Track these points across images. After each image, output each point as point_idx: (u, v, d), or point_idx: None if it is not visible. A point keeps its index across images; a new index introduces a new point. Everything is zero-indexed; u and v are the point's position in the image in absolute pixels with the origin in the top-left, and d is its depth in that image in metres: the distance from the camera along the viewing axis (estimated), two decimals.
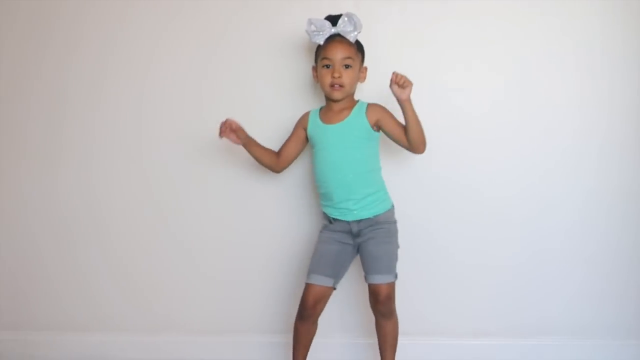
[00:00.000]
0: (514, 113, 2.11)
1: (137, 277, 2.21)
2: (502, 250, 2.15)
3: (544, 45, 2.08)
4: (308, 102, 2.06)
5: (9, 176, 2.21)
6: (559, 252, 2.14)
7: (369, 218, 1.86)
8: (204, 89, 2.14)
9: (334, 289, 1.88)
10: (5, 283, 2.24)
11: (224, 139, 1.88)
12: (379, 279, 1.83)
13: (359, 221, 1.87)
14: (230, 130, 1.87)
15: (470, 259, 2.15)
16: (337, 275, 1.89)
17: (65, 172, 2.20)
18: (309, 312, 1.86)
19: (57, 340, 2.22)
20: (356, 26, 1.84)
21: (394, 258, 1.88)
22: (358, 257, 1.91)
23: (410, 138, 1.82)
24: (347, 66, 1.85)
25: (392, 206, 1.92)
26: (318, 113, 1.94)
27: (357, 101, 1.92)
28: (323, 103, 1.95)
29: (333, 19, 1.85)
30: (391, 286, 1.85)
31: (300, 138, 1.96)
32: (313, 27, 1.84)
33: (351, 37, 1.84)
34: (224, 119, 1.86)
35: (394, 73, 1.75)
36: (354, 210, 1.86)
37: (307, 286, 1.87)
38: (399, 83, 1.74)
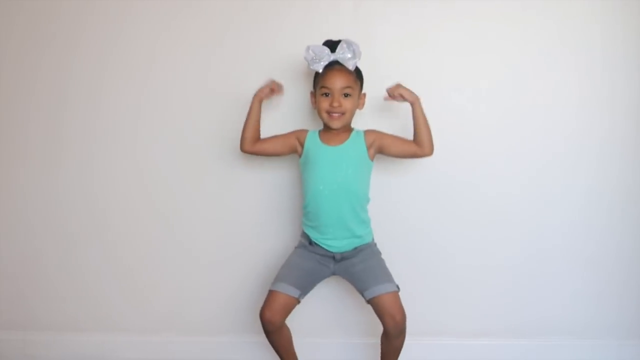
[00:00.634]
0: (514, 113, 2.11)
1: (137, 277, 2.21)
2: (502, 250, 2.15)
3: (543, 45, 2.08)
4: (307, 102, 2.05)
5: (9, 176, 2.21)
6: (559, 251, 2.15)
7: (353, 249, 1.87)
8: (203, 90, 2.13)
9: (298, 302, 1.85)
10: (5, 283, 2.24)
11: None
12: (381, 290, 1.79)
13: (343, 252, 1.87)
14: (271, 91, 1.90)
15: (470, 258, 2.15)
16: (304, 290, 1.86)
17: (65, 172, 2.19)
18: (267, 325, 1.81)
19: (57, 340, 2.22)
20: (355, 54, 1.82)
21: (387, 271, 1.86)
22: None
23: (421, 140, 1.85)
24: (346, 95, 1.84)
25: (373, 239, 1.93)
26: (317, 134, 1.92)
27: (353, 128, 1.92)
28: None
29: (332, 45, 1.83)
30: (398, 298, 1.81)
31: (288, 144, 1.93)
32: (312, 54, 1.82)
33: (350, 65, 1.82)
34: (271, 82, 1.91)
35: (386, 90, 1.85)
36: (340, 244, 1.86)
37: (271, 294, 1.83)
38: (393, 94, 1.82)
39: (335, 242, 1.86)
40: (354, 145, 1.88)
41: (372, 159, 1.91)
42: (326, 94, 1.85)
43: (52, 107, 2.18)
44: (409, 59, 2.08)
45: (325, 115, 1.86)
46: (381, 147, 1.90)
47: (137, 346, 2.20)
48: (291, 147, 1.93)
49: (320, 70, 1.83)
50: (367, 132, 1.92)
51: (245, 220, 2.17)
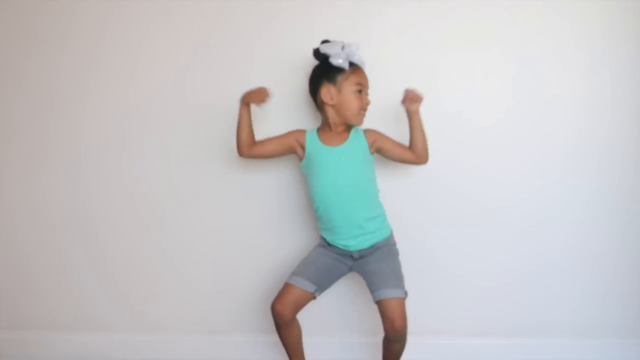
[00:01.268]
0: (514, 113, 2.10)
1: (134, 278, 2.21)
2: (505, 251, 2.14)
3: (544, 46, 2.07)
4: (306, 102, 2.05)
5: None
6: (562, 252, 2.14)
7: (370, 246, 1.86)
8: (195, 91, 2.12)
9: (314, 297, 1.85)
10: (3, 283, 2.26)
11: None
12: (387, 294, 1.78)
13: (360, 250, 1.87)
14: (257, 95, 1.86)
15: (472, 259, 2.14)
16: (321, 286, 1.86)
17: (54, 173, 2.19)
18: (276, 318, 1.82)
19: (56, 340, 2.23)
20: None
21: (400, 275, 1.85)
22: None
23: (417, 149, 1.87)
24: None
25: (392, 232, 1.92)
26: (315, 134, 1.91)
27: (351, 127, 1.92)
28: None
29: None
30: (402, 305, 1.80)
31: (286, 145, 1.91)
32: (349, 51, 1.83)
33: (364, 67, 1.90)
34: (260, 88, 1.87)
35: (406, 90, 1.82)
36: (355, 242, 1.85)
37: (285, 286, 1.84)
38: (413, 99, 1.81)
39: (351, 241, 1.86)
40: (356, 144, 1.88)
41: (373, 154, 1.92)
42: (359, 91, 1.86)
43: (39, 109, 2.17)
44: (409, 59, 2.07)
45: (358, 112, 1.87)
46: (380, 149, 1.91)
47: (135, 346, 2.21)
48: (290, 148, 1.92)
49: (347, 67, 1.83)
50: (367, 131, 1.92)
51: (241, 219, 2.16)
